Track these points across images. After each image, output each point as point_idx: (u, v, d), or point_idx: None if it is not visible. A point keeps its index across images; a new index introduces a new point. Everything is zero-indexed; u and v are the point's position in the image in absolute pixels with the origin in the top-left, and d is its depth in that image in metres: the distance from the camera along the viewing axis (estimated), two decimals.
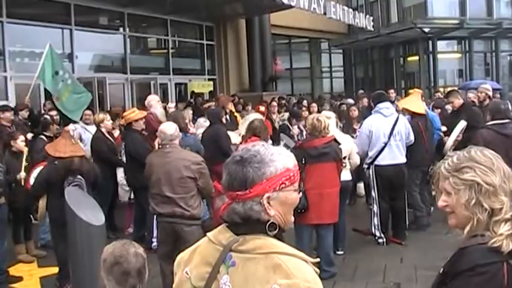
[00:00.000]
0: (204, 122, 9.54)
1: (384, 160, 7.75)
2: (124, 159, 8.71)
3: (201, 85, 18.89)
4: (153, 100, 9.75)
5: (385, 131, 7.78)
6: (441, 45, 24.33)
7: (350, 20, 15.47)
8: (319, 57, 29.21)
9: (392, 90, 14.34)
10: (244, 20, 20.56)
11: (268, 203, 1.88)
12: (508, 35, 24.77)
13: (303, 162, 6.26)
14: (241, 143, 7.35)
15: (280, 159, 1.93)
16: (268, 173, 1.88)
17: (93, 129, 9.62)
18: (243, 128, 9.76)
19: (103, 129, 8.92)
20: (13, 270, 7.37)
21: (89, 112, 10.21)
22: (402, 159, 7.89)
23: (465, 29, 22.88)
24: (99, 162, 8.18)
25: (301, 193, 2.18)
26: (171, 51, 18.71)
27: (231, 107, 12.36)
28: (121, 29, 16.97)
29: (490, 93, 10.02)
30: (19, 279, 7.15)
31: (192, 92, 17.99)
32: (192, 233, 5.59)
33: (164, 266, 5.80)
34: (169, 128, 6.02)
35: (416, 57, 24.60)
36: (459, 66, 25.43)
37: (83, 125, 10.06)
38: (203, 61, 20.50)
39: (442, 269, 2.20)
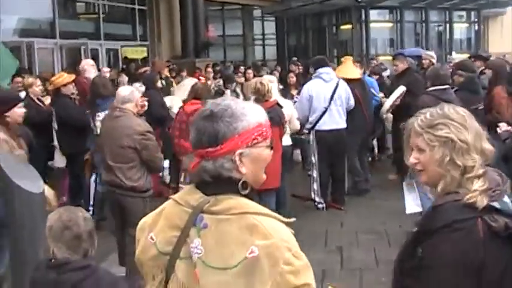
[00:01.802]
0: (140, 87, 9.26)
1: (324, 125, 7.73)
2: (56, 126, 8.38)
3: (134, 51, 18.40)
4: (87, 64, 9.40)
5: (326, 96, 7.76)
6: (373, 14, 24.38)
7: None
8: (251, 24, 28.93)
9: None
10: None
11: (240, 160, 1.76)
12: (437, 6, 25.17)
13: None
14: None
15: (252, 113, 1.82)
16: (240, 127, 1.77)
17: (23, 95, 9.20)
18: (179, 93, 9.60)
19: (32, 95, 8.51)
20: None
21: (19, 79, 9.63)
22: (343, 124, 7.91)
23: None
24: (31, 129, 7.82)
25: None
26: (102, 15, 18.06)
27: (166, 72, 12.10)
28: None
29: (434, 60, 10.18)
30: None
31: (125, 57, 17.52)
32: (136, 204, 5.40)
33: (119, 238, 5.63)
34: (123, 90, 5.78)
35: (349, 26, 24.65)
36: (390, 35, 25.67)
37: None
38: (135, 26, 19.99)
39: (415, 228, 2.15)
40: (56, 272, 2.80)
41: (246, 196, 1.78)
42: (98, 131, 6.83)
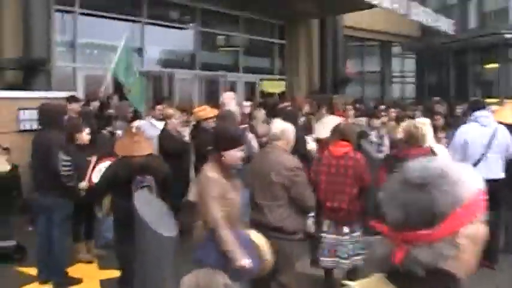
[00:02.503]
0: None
1: (479, 174, 6.93)
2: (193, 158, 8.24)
3: (272, 85, 18.27)
4: (228, 97, 9.21)
5: (483, 142, 7.00)
6: None
7: (431, 23, 14.52)
8: (390, 61, 28.10)
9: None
10: (316, 19, 19.89)
11: (464, 243, 1.31)
12: None
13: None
14: (323, 149, 6.61)
15: (469, 177, 1.35)
16: (462, 198, 1.30)
17: (159, 124, 9.20)
18: (319, 131, 9.15)
19: (170, 126, 8.44)
20: (72, 271, 6.97)
21: (159, 107, 9.67)
22: (500, 174, 7.08)
23: None
24: (168, 160, 7.71)
25: None
26: (241, 48, 18.17)
27: (306, 108, 11.72)
28: (192, 24, 16.52)
29: None
30: (79, 281, 6.75)
31: (263, 91, 17.43)
32: (282, 246, 5.02)
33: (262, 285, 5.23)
34: (275, 126, 5.48)
35: (495, 65, 23.28)
36: None
37: (151, 120, 9.59)
38: (273, 60, 19.94)
39: None
40: None
41: None
42: None
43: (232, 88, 16.92)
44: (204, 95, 16.17)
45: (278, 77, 19.58)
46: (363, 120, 10.94)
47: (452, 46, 23.71)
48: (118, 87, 11.32)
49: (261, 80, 18.46)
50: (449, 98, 23.37)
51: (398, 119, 11.45)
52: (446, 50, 25.42)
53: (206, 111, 8.06)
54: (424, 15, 13.91)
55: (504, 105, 8.38)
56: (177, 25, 16.31)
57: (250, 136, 8.08)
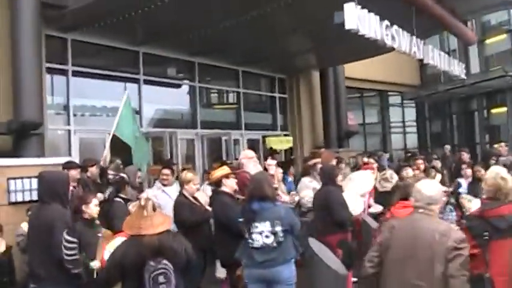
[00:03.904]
0: (309, 183, 7.88)
1: None
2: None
3: (279, 141, 17.27)
4: (244, 157, 8.18)
5: None
6: None
7: (445, 67, 13.69)
8: (388, 110, 27.32)
9: (503, 144, 12.61)
10: (317, 71, 19.16)
11: None
12: None
13: (486, 237, 4.49)
14: (385, 214, 5.50)
15: None
16: None
17: (171, 190, 8.11)
18: (350, 189, 8.14)
19: (186, 193, 7.33)
20: None
21: (167, 171, 8.59)
22: None
23: None
24: (186, 233, 6.61)
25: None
26: (242, 104, 17.24)
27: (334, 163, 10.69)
28: (190, 80, 15.57)
29: None
30: None
31: (270, 148, 16.38)
32: None
33: None
34: (428, 187, 4.39)
35: (503, 109, 22.54)
36: None
37: (160, 186, 8.50)
38: (275, 115, 19.01)
39: None
40: None
41: None
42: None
43: (236, 146, 15.97)
44: (207, 154, 15.15)
45: (281, 132, 18.64)
46: (387, 173, 9.89)
47: (456, 92, 22.98)
48: (116, 149, 10.22)
49: (264, 136, 17.49)
50: (454, 146, 22.67)
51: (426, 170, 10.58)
52: (449, 97, 24.74)
53: (224, 170, 6.99)
54: (439, 59, 13.06)
55: None
56: (175, 81, 15.39)
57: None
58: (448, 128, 26.39)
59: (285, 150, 17.85)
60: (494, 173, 4.96)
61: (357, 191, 8.11)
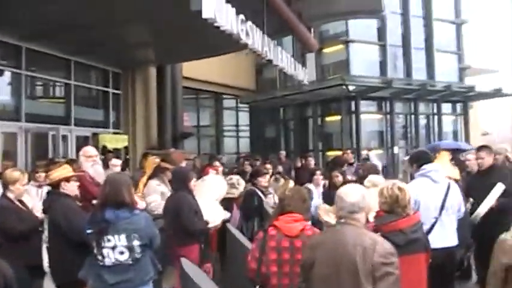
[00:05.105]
0: (157, 186, 6.96)
1: (435, 242, 5.13)
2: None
3: (114, 139, 16.01)
4: (82, 154, 7.08)
5: (436, 203, 5.61)
6: (362, 105, 22.98)
7: (292, 70, 13.45)
8: (223, 113, 27.11)
9: (349, 151, 12.52)
10: (154, 68, 18.24)
11: None
12: (426, 97, 24.23)
13: None
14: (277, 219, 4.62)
15: None
16: None
17: None
18: (203, 194, 7.32)
19: (11, 195, 6.04)
20: None
21: None
22: (454, 241, 5.74)
23: (388, 89, 21.84)
24: (10, 243, 5.41)
25: None
26: (73, 97, 15.72)
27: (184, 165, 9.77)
28: (15, 67, 13.76)
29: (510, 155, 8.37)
30: None
31: (104, 147, 15.03)
32: None
33: None
34: (351, 193, 3.71)
35: (338, 117, 23.19)
36: (379, 127, 24.30)
37: None
38: (108, 112, 17.68)
39: None
40: None
41: None
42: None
43: (64, 142, 14.54)
44: (31, 150, 13.57)
45: (113, 130, 17.40)
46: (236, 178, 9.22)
47: (292, 98, 23.32)
48: None
49: (94, 133, 16.16)
50: (289, 151, 22.94)
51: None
52: (285, 103, 25.06)
53: (66, 170, 5.85)
54: (286, 62, 12.76)
55: (439, 157, 7.05)
56: None
57: None
58: (283, 133, 26.72)
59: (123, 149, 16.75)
60: (391, 183, 4.44)
61: (213, 195, 7.32)
